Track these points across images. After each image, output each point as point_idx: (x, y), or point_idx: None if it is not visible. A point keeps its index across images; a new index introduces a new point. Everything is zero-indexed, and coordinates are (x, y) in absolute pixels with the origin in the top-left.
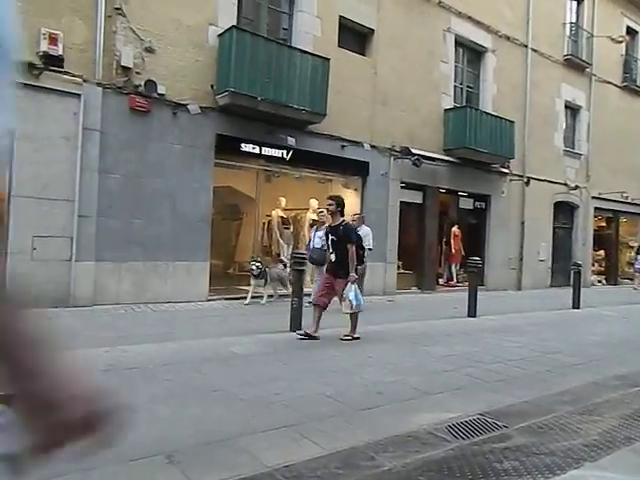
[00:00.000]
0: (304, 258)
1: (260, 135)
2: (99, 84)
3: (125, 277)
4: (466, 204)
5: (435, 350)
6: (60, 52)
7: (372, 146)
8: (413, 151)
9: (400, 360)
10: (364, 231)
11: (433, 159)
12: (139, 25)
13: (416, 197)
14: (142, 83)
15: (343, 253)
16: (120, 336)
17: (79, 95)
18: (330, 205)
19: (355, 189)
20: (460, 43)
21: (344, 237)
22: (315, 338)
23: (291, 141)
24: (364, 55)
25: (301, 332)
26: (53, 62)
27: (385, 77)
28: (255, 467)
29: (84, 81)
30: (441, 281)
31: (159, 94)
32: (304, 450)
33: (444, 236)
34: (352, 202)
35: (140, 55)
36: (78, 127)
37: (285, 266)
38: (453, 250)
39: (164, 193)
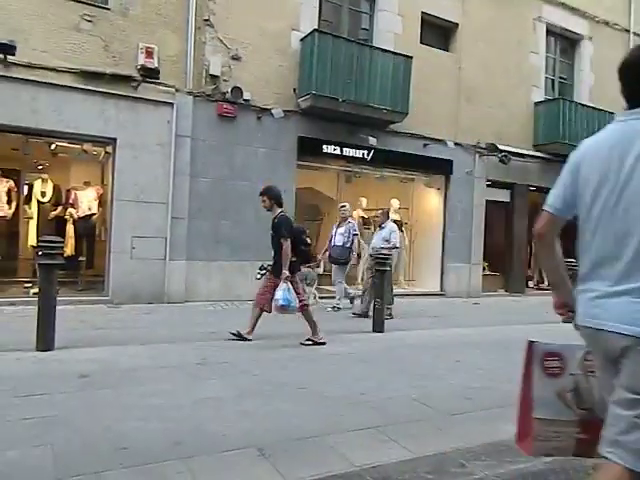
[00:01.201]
0: (385, 258)
1: (341, 136)
2: (190, 93)
3: (214, 275)
4: None
5: None
6: (155, 64)
7: (456, 144)
8: (500, 148)
9: (490, 366)
10: (389, 227)
11: (522, 155)
12: (226, 35)
13: (503, 195)
14: (229, 90)
15: (278, 249)
16: (211, 332)
17: (172, 104)
18: (263, 202)
19: (438, 188)
20: (552, 32)
21: (276, 230)
22: (246, 339)
23: (372, 141)
24: (448, 50)
25: (233, 331)
26: (150, 74)
27: (470, 72)
28: (344, 466)
29: (176, 91)
30: (531, 284)
31: (245, 100)
32: (392, 452)
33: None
34: (434, 201)
35: (227, 63)
36: (171, 134)
37: (318, 265)
38: None
39: (249, 195)
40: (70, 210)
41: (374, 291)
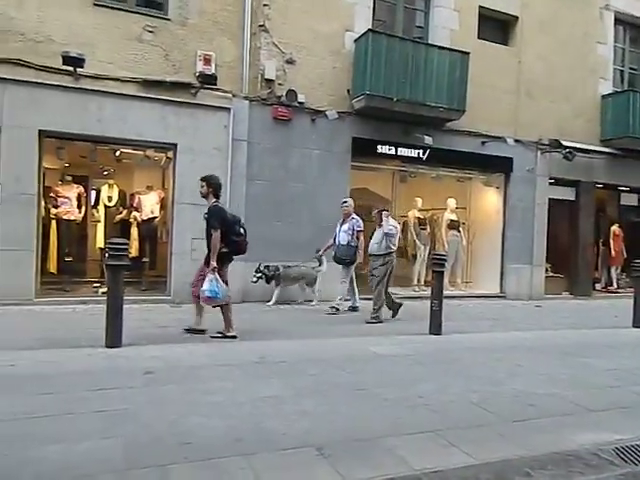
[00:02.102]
0: (444, 259)
1: (396, 136)
2: (246, 97)
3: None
4: (629, 200)
5: (595, 363)
6: (213, 71)
7: (516, 140)
8: (564, 143)
9: (554, 371)
10: (382, 229)
11: (587, 151)
12: (280, 39)
13: (568, 193)
14: (284, 93)
15: (209, 239)
16: (268, 331)
17: (229, 109)
18: (201, 187)
19: (497, 187)
20: (621, 20)
21: (207, 221)
22: (200, 332)
23: (428, 140)
24: (506, 45)
25: (186, 327)
26: (207, 81)
27: (531, 66)
28: (403, 469)
29: (233, 96)
30: (598, 286)
31: (299, 103)
32: (453, 457)
33: (601, 236)
34: (494, 200)
35: (282, 67)
36: (228, 138)
37: (320, 263)
38: (613, 252)
39: (304, 197)
40: (134, 213)
41: (432, 292)
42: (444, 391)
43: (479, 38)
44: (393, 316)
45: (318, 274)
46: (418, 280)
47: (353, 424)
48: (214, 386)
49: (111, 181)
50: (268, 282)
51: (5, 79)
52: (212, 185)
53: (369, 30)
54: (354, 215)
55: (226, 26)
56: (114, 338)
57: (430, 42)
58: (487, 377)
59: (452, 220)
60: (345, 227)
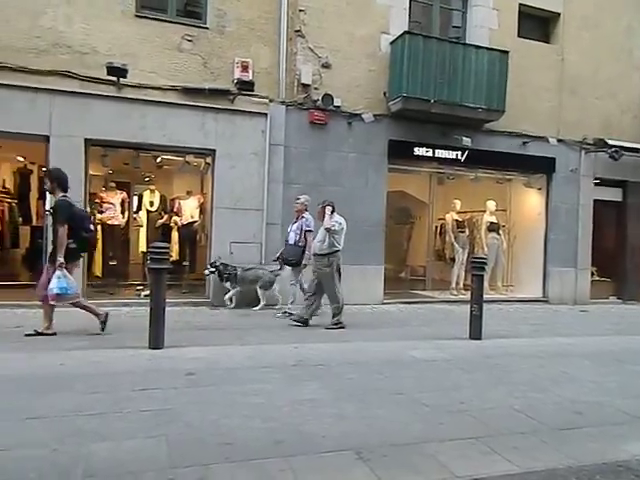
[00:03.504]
0: (484, 262)
1: (433, 138)
2: (283, 102)
3: (305, 279)
4: None
5: None
6: (250, 77)
7: (559, 140)
8: (610, 142)
9: (602, 379)
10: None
11: (636, 150)
12: (316, 43)
13: (614, 194)
14: (320, 97)
15: (55, 234)
16: (305, 334)
17: (266, 114)
18: (45, 183)
19: (539, 188)
20: None
21: (53, 215)
22: (50, 334)
23: (466, 141)
24: (548, 42)
25: (37, 330)
26: (245, 87)
27: (574, 63)
28: (445, 475)
29: (270, 101)
30: None
31: (335, 106)
32: (495, 465)
33: None
34: (535, 202)
35: (318, 71)
36: (265, 143)
37: (281, 267)
38: None
39: (341, 200)
40: (175, 218)
41: (472, 296)
42: (485, 397)
43: (519, 36)
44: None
45: (277, 278)
46: (457, 284)
47: (392, 428)
48: (253, 388)
49: (153, 187)
50: (221, 280)
51: (54, 90)
52: (54, 179)
53: (405, 32)
54: (305, 214)
55: (263, 33)
56: (157, 339)
57: (468, 42)
58: (530, 383)
59: (492, 222)
60: (294, 226)
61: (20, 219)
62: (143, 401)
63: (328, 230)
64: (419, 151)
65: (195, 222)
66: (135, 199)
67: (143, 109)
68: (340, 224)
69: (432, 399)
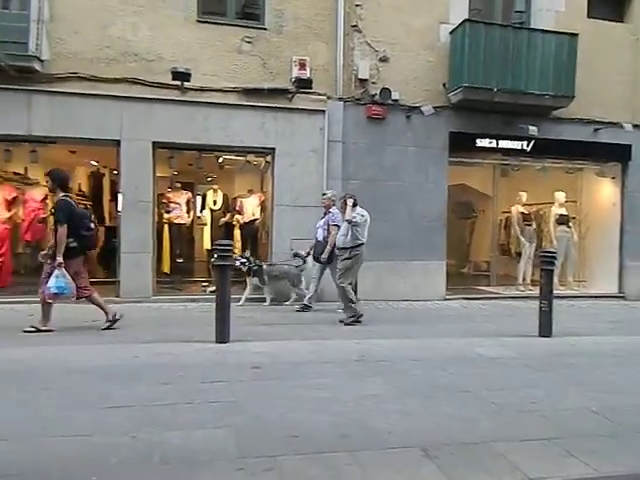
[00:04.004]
0: (553, 256)
1: (496, 128)
2: (340, 99)
3: (367, 275)
4: None
5: None
6: (308, 75)
7: (635, 126)
8: None
9: None
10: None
11: None
12: (373, 37)
13: None
14: (378, 92)
15: (55, 233)
16: (367, 330)
17: (324, 111)
18: (47, 182)
19: (612, 177)
20: None
21: (54, 215)
22: (47, 331)
23: (532, 130)
24: (621, 21)
25: (35, 327)
26: (303, 85)
27: None
28: (517, 477)
29: (328, 98)
30: None
31: (393, 100)
32: (571, 468)
33: None
34: (609, 192)
35: (375, 66)
36: (324, 140)
37: (304, 261)
38: None
39: (400, 194)
40: (237, 216)
41: (541, 292)
42: (557, 397)
43: (589, 17)
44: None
45: (302, 273)
46: (523, 279)
47: (459, 426)
48: (317, 382)
49: (215, 186)
50: (248, 274)
51: (123, 97)
52: (55, 179)
53: (465, 20)
54: (332, 209)
55: (320, 30)
56: (223, 334)
57: (533, 26)
58: (606, 384)
59: (561, 215)
60: (322, 222)
61: (95, 220)
62: (212, 393)
63: (349, 222)
64: (482, 142)
65: (256, 220)
66: (199, 199)
67: (206, 111)
68: (362, 216)
69: (500, 397)
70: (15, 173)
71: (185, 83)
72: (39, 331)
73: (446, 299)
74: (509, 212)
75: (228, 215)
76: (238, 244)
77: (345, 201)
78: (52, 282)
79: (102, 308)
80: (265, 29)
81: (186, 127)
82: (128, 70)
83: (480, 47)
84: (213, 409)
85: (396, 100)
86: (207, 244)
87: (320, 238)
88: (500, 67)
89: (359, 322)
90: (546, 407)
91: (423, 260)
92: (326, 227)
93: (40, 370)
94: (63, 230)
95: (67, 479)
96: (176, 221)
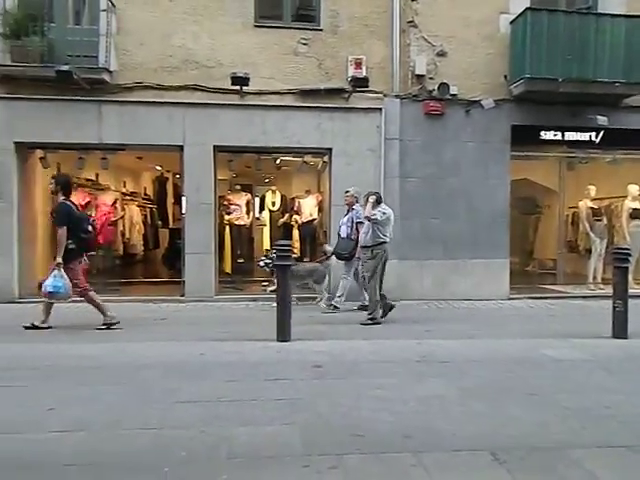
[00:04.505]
0: (627, 253)
1: (562, 119)
2: (397, 96)
3: (426, 274)
4: None
5: None
6: (364, 74)
7: None
8: None
9: None
10: (353, 214)
11: None
12: (430, 32)
13: None
14: (435, 87)
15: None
16: (428, 330)
17: (380, 109)
18: (50, 184)
19: None
20: None
21: (53, 218)
22: (45, 328)
23: (602, 120)
24: None
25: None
26: (360, 84)
27: None
28: None
29: (384, 96)
30: None
31: (451, 95)
32: None
33: None
34: None
35: (432, 61)
36: (381, 138)
37: (328, 258)
38: None
39: (460, 191)
40: (295, 217)
41: (614, 291)
42: (636, 402)
43: None
44: (382, 316)
45: (327, 270)
46: (594, 277)
47: (530, 431)
48: (379, 382)
49: (274, 187)
50: (273, 274)
51: (186, 103)
52: (59, 183)
53: (527, 9)
54: (356, 206)
55: (375, 28)
56: (284, 333)
57: (601, 11)
58: None
59: (635, 209)
60: (345, 219)
61: (160, 222)
62: (275, 390)
63: (368, 219)
64: (546, 135)
65: (314, 220)
66: (257, 200)
67: (264, 114)
68: (384, 214)
69: (572, 401)
70: (87, 179)
71: (244, 87)
72: (36, 328)
73: (510, 298)
74: (576, 207)
75: (286, 216)
76: (297, 244)
77: (367, 198)
78: (49, 281)
79: (99, 309)
80: (321, 30)
81: (245, 130)
82: (190, 77)
83: (543, 36)
84: (277, 406)
85: (454, 95)
86: (266, 244)
87: (344, 235)
88: (565, 56)
89: (378, 324)
90: (623, 412)
91: (485, 258)
92: (350, 224)
93: (112, 366)
94: (62, 232)
95: (140, 469)
96: (236, 222)
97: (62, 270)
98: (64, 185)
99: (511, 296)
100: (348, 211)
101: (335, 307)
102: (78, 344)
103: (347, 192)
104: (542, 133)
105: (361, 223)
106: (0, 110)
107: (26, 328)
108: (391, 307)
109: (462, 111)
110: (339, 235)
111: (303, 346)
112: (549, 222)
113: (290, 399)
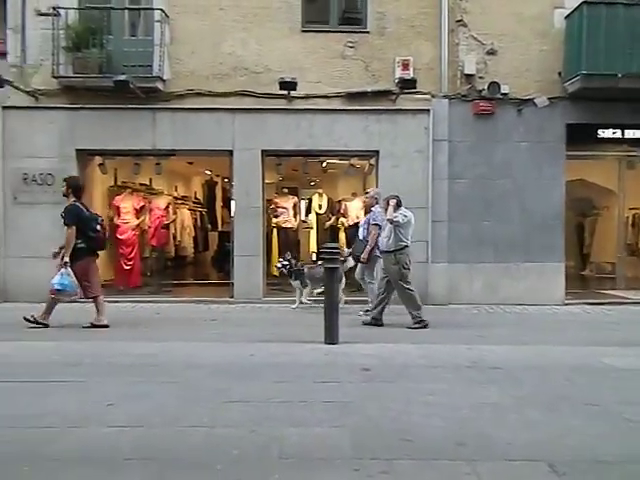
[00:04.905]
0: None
1: (621, 117)
2: (445, 96)
3: (476, 278)
4: None
5: None
6: (412, 75)
7: None
8: None
9: None
10: (371, 216)
11: None
12: (479, 31)
13: None
14: (485, 87)
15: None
16: (478, 335)
17: (428, 110)
18: (62, 187)
19: None
20: None
21: (63, 218)
22: (43, 325)
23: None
24: None
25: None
26: (407, 85)
27: None
28: None
29: (432, 97)
30: None
31: (502, 94)
32: None
33: None
34: None
35: (482, 60)
36: (429, 140)
37: (345, 260)
38: None
39: (512, 193)
40: (341, 219)
41: None
42: None
43: None
44: (368, 323)
45: (343, 273)
46: None
47: (589, 442)
48: (429, 387)
49: (320, 190)
50: (290, 277)
51: (235, 109)
52: (70, 185)
53: (583, 2)
54: (374, 207)
55: (423, 28)
56: (332, 335)
57: None
58: None
59: None
60: (363, 221)
61: (209, 225)
62: (324, 392)
63: (391, 222)
64: (604, 133)
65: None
66: (304, 203)
67: (311, 118)
68: (405, 217)
69: (636, 414)
70: (141, 184)
71: (291, 92)
72: (37, 323)
73: (566, 304)
74: (637, 208)
75: (333, 218)
76: (343, 247)
77: (388, 201)
78: (57, 279)
79: (99, 311)
80: (367, 32)
81: (292, 134)
82: (239, 83)
83: (600, 30)
84: (326, 408)
85: (505, 94)
86: (313, 247)
87: (361, 237)
88: (624, 50)
89: (425, 326)
90: None
91: (539, 261)
92: (366, 226)
93: (166, 364)
94: (71, 232)
95: (194, 466)
96: (284, 225)
97: (69, 269)
98: (75, 187)
99: (567, 301)
100: (367, 213)
101: (366, 310)
102: (136, 342)
103: (367, 193)
104: (600, 131)
105: (375, 225)
106: (63, 119)
107: (26, 319)
108: (377, 321)
109: (514, 110)
110: (357, 237)
111: (351, 349)
112: (607, 224)
113: (339, 402)
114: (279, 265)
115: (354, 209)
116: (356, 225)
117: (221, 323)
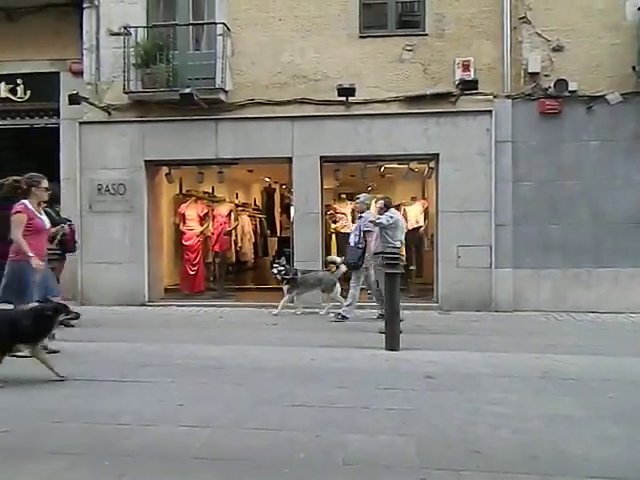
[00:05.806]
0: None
1: None
2: (508, 96)
3: (543, 284)
4: None
5: None
6: (472, 76)
7: None
8: None
9: None
10: (361, 222)
11: None
12: (544, 27)
13: None
14: (551, 85)
15: None
16: (548, 344)
17: (490, 111)
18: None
19: None
20: None
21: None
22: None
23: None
24: None
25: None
26: (468, 86)
27: None
28: None
29: (494, 97)
30: None
31: (570, 92)
32: None
33: None
34: None
35: (547, 57)
36: (491, 141)
37: (337, 267)
38: None
39: (581, 195)
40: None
41: None
42: None
43: None
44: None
45: (336, 279)
46: None
47: None
48: (496, 397)
49: (379, 195)
50: (283, 281)
51: (294, 117)
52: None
53: None
54: (364, 213)
55: (483, 28)
56: (392, 342)
57: None
58: None
59: None
60: (353, 227)
61: (268, 231)
62: (387, 399)
63: (374, 224)
64: None
65: (420, 227)
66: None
67: (369, 123)
68: (391, 218)
69: None
70: (204, 192)
71: (350, 98)
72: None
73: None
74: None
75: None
76: (402, 251)
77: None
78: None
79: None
80: (426, 35)
81: (350, 140)
82: (298, 92)
83: None
84: (390, 415)
85: (574, 91)
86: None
87: (352, 243)
88: None
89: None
90: None
91: (613, 267)
92: (357, 232)
93: (232, 367)
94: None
95: (261, 468)
96: (342, 230)
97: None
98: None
99: None
100: (358, 219)
101: (343, 317)
102: (201, 345)
103: (358, 199)
104: None
105: (368, 231)
106: (133, 132)
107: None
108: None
109: (582, 108)
110: (348, 244)
111: (412, 356)
112: None
113: (403, 409)
114: (275, 271)
115: (413, 214)
116: (416, 229)
117: (282, 327)
